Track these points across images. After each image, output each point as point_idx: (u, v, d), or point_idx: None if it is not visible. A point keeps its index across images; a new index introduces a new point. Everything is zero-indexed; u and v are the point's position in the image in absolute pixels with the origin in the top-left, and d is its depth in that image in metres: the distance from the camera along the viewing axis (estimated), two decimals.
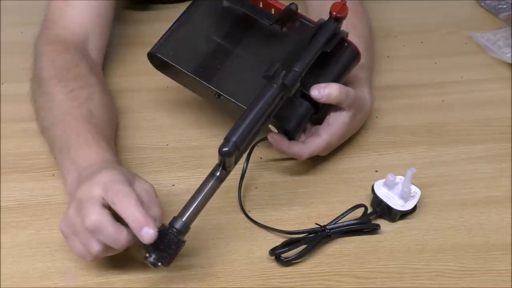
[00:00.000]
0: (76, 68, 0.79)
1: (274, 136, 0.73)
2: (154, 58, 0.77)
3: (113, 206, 0.61)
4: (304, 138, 0.76)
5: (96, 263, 0.67)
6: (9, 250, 0.69)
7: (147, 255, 0.61)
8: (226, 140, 0.64)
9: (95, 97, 0.77)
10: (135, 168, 0.78)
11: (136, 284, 0.66)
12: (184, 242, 0.63)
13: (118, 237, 0.61)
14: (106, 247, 0.62)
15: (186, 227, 0.63)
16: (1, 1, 1.06)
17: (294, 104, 0.73)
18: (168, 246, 0.61)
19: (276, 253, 0.67)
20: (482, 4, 1.09)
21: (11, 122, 0.84)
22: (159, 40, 0.77)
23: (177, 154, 0.80)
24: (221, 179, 0.65)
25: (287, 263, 0.67)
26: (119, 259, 0.66)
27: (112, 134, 0.78)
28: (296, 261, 0.68)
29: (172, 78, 0.79)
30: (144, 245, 0.61)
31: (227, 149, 0.63)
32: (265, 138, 0.74)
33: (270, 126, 0.73)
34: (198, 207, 0.64)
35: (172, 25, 0.77)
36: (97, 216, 0.60)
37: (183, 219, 0.63)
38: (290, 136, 0.74)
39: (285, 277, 0.67)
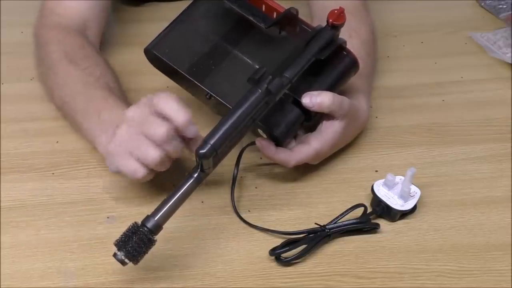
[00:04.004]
0: (82, 49, 0.82)
1: (262, 141, 0.72)
2: (150, 55, 0.77)
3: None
4: (294, 144, 0.74)
5: (95, 263, 0.67)
6: (9, 250, 0.69)
7: (117, 252, 0.61)
8: (204, 142, 0.63)
9: (108, 74, 0.80)
10: None
11: (136, 284, 0.66)
12: (154, 241, 0.62)
13: (180, 147, 0.66)
14: (166, 157, 0.66)
15: (158, 226, 0.62)
16: (1, 1, 1.05)
17: (284, 110, 0.71)
18: (138, 244, 0.61)
19: (276, 253, 0.67)
20: (482, 4, 1.09)
21: (11, 122, 0.84)
22: (156, 37, 0.76)
23: None
24: (198, 181, 0.65)
25: (287, 263, 0.67)
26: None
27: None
28: (296, 261, 0.68)
29: (167, 75, 0.78)
30: (115, 242, 0.61)
31: (204, 151, 0.63)
32: (253, 143, 0.73)
33: (259, 130, 0.73)
34: (172, 207, 0.64)
35: (172, 22, 0.77)
36: (165, 127, 0.64)
37: (156, 218, 0.62)
38: (278, 142, 0.72)
39: (285, 277, 0.67)
